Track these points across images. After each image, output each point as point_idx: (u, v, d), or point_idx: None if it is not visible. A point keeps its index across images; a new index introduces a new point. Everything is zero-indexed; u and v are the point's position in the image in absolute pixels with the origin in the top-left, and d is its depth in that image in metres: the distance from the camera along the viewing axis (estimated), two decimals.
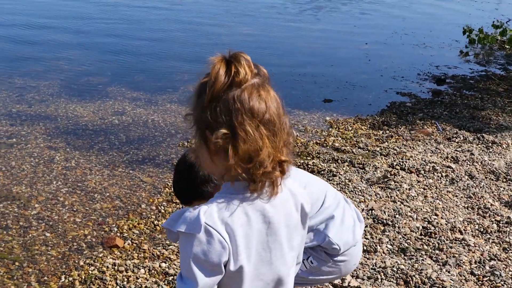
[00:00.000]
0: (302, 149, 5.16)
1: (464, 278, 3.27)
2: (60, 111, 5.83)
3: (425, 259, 3.43)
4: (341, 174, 4.55)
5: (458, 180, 4.54)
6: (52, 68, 7.28)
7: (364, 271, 3.29)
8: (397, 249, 3.55)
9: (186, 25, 10.24)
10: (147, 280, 3.21)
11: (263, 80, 1.41)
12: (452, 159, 4.96)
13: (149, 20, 10.52)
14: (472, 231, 3.79)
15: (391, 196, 4.22)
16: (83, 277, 3.24)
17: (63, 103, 6.09)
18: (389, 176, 4.54)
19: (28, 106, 5.92)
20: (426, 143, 5.41)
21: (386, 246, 3.56)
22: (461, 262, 3.40)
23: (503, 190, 4.43)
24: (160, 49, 8.57)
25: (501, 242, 3.68)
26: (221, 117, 1.37)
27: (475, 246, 3.58)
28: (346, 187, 4.33)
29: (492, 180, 4.62)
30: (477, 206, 4.14)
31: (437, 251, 3.52)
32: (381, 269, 3.31)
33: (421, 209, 4.03)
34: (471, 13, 12.95)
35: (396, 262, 3.38)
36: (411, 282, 3.20)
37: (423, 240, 3.65)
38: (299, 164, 4.76)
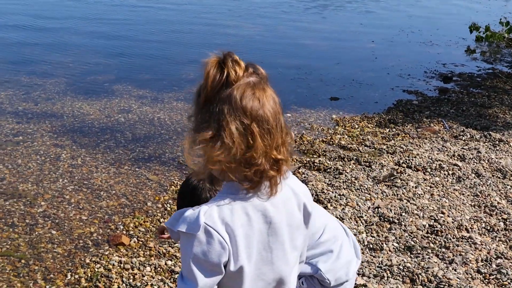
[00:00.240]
0: (309, 147, 5.15)
1: (470, 276, 3.25)
2: (66, 109, 5.85)
3: (432, 257, 3.42)
4: (347, 172, 4.54)
5: (464, 178, 4.52)
6: (59, 67, 7.29)
7: (370, 269, 3.29)
8: (403, 247, 3.54)
9: (192, 25, 10.24)
10: (153, 278, 3.21)
11: (260, 79, 1.41)
12: (459, 157, 4.94)
13: (155, 20, 10.55)
14: (478, 229, 3.77)
15: (397, 194, 4.21)
16: (89, 275, 3.25)
17: (69, 101, 6.10)
18: (395, 174, 4.53)
19: (35, 104, 5.94)
20: (433, 141, 5.39)
21: (392, 244, 3.55)
22: (468, 260, 3.39)
23: (510, 188, 4.41)
24: (165, 48, 8.58)
25: (508, 240, 3.66)
26: (214, 117, 1.38)
27: (482, 244, 3.56)
28: (353, 185, 4.32)
29: (499, 178, 4.60)
30: (483, 204, 4.12)
31: (443, 249, 3.51)
32: (387, 267, 3.30)
33: (428, 207, 4.02)
34: (478, 11, 12.90)
35: (402, 260, 3.37)
36: (417, 280, 3.19)
37: (430, 238, 3.63)
38: (305, 162, 4.76)
